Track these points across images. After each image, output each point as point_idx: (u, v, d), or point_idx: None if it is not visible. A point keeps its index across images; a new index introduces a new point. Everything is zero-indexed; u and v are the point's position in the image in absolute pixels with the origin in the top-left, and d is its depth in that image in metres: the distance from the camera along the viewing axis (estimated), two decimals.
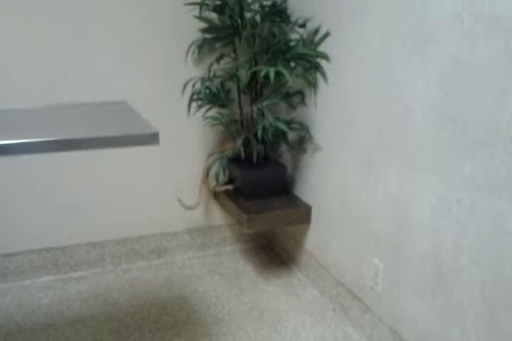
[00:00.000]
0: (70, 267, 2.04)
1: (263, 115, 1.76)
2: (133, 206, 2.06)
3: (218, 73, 1.89)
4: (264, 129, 1.75)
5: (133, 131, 1.03)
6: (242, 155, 1.95)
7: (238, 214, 1.83)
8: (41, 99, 1.78)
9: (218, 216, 2.22)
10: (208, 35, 1.84)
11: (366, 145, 1.49)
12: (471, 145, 1.10)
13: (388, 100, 1.36)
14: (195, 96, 1.82)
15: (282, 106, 2.02)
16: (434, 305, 1.28)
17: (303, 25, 1.75)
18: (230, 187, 1.99)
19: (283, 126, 1.73)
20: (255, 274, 2.06)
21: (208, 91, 1.82)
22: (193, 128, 2.02)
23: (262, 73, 1.64)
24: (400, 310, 1.43)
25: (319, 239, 1.86)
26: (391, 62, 1.33)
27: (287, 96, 1.81)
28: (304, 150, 1.88)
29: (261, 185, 1.90)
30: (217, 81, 1.81)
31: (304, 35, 1.75)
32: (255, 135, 1.81)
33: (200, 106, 1.85)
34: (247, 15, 1.75)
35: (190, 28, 1.88)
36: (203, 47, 1.87)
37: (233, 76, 1.82)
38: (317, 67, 1.68)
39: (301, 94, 1.84)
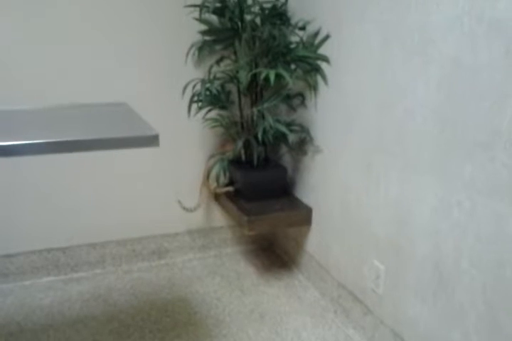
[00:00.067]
0: (70, 268, 2.04)
1: (263, 117, 1.76)
2: (134, 207, 2.06)
3: (218, 75, 1.89)
4: (264, 131, 1.75)
5: (133, 132, 1.03)
6: (243, 157, 1.95)
7: (239, 216, 1.83)
8: (41, 100, 1.79)
9: (219, 217, 2.22)
10: (208, 37, 1.84)
11: (366, 148, 1.49)
12: (471, 148, 1.10)
13: (388, 102, 1.37)
14: (195, 98, 1.82)
15: (283, 108, 2.02)
16: (435, 307, 1.28)
17: (303, 28, 1.75)
18: (230, 188, 2.00)
19: (283, 128, 1.73)
20: (256, 276, 2.06)
21: (208, 93, 1.82)
22: (193, 129, 2.03)
23: (263, 75, 1.64)
24: (401, 312, 1.43)
25: (320, 240, 1.86)
26: (391, 64, 1.33)
27: (287, 98, 1.82)
28: (304, 152, 1.89)
29: (261, 187, 1.90)
30: (217, 83, 1.81)
31: (304, 38, 1.75)
32: (256, 137, 1.81)
33: (200, 108, 1.85)
34: (247, 17, 1.75)
35: (191, 30, 1.88)
36: (203, 49, 1.88)
37: (233, 78, 1.82)
38: (317, 70, 1.68)
39: (301, 96, 1.84)
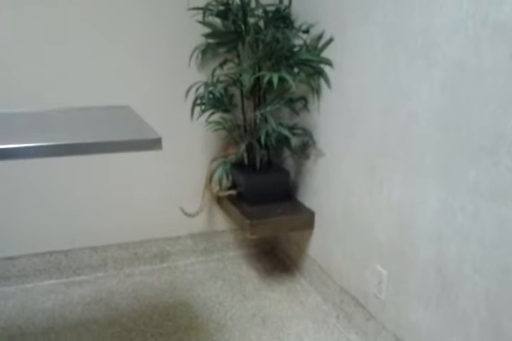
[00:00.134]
0: (72, 271, 2.04)
1: (266, 120, 1.76)
2: (136, 210, 2.05)
3: (222, 78, 1.89)
4: (267, 135, 1.75)
5: (136, 136, 1.03)
6: (246, 160, 1.94)
7: (241, 220, 1.82)
8: (42, 101, 1.78)
9: (221, 221, 2.21)
10: (211, 40, 1.84)
11: (369, 151, 1.49)
12: (475, 152, 1.09)
13: (391, 106, 1.36)
14: (198, 101, 1.82)
15: (285, 111, 2.01)
16: (438, 312, 1.27)
17: (306, 31, 1.75)
18: (233, 192, 1.99)
19: (286, 132, 1.72)
20: (258, 280, 2.05)
21: (211, 96, 1.82)
22: (196, 133, 2.02)
23: (266, 79, 1.64)
24: (404, 318, 1.41)
25: (322, 244, 1.85)
26: (394, 67, 1.33)
27: (290, 101, 1.81)
28: (307, 156, 1.88)
29: (264, 191, 1.89)
30: (220, 86, 1.81)
31: (308, 41, 1.75)
32: (258, 140, 1.81)
33: (203, 111, 1.85)
34: (251, 20, 1.75)
35: (194, 33, 1.88)
36: (206, 52, 1.88)
37: (236, 81, 1.82)
38: (320, 73, 1.68)
39: (304, 99, 1.84)
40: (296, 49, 1.72)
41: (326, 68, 1.66)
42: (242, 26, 1.75)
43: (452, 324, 1.22)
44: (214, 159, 2.07)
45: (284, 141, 1.84)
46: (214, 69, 1.92)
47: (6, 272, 1.95)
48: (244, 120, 1.90)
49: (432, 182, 1.24)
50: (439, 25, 1.15)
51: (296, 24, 1.82)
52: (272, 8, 1.75)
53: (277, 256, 2.26)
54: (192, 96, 1.93)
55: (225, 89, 1.86)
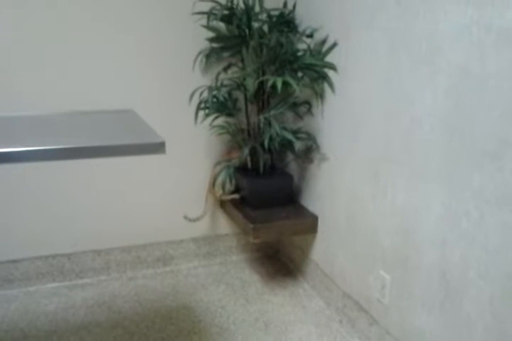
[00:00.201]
0: (75, 274, 2.04)
1: (270, 124, 1.76)
2: (139, 214, 2.06)
3: (226, 82, 1.90)
4: (270, 139, 1.75)
5: (139, 140, 1.03)
6: (249, 164, 1.95)
7: (244, 224, 1.82)
8: (43, 102, 1.79)
9: (224, 225, 2.21)
10: (215, 45, 1.85)
11: (373, 156, 1.48)
12: (479, 157, 1.09)
13: (395, 111, 1.36)
14: (202, 105, 1.83)
15: (289, 115, 2.02)
16: (441, 318, 1.27)
17: (310, 36, 1.75)
18: (236, 196, 1.99)
19: (290, 136, 1.72)
20: (261, 284, 2.04)
21: (215, 100, 1.82)
22: (199, 136, 2.03)
23: (270, 83, 1.64)
24: (407, 323, 1.41)
25: (325, 249, 1.85)
26: (398, 72, 1.33)
27: (294, 106, 1.81)
28: (310, 160, 1.88)
29: (267, 195, 1.89)
30: (224, 90, 1.81)
31: (312, 46, 1.75)
32: (262, 144, 1.81)
33: (207, 115, 1.85)
34: (255, 25, 1.75)
35: (198, 37, 1.89)
36: (210, 56, 1.88)
37: (240, 85, 1.82)
38: (324, 77, 1.68)
39: (308, 104, 1.84)
40: (300, 53, 1.72)
41: (330, 72, 1.66)
42: (246, 31, 1.75)
43: (456, 329, 1.22)
44: (217, 163, 2.07)
45: (287, 145, 1.84)
46: (218, 74, 1.93)
47: (9, 275, 1.95)
48: (248, 124, 1.91)
49: (435, 187, 1.23)
50: (444, 31, 1.15)
51: (300, 28, 1.82)
52: (276, 13, 1.76)
53: (280, 260, 2.26)
54: (196, 100, 1.93)
55: (229, 93, 1.86)
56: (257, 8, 1.79)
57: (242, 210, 1.89)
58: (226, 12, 1.73)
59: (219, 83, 1.92)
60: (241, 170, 1.96)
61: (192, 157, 2.04)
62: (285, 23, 1.77)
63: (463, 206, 1.15)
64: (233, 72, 1.94)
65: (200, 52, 1.89)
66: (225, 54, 1.86)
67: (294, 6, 1.83)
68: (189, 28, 1.87)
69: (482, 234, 1.10)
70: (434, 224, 1.26)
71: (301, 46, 1.79)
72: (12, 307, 1.85)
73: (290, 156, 2.05)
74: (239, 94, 1.93)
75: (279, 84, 1.60)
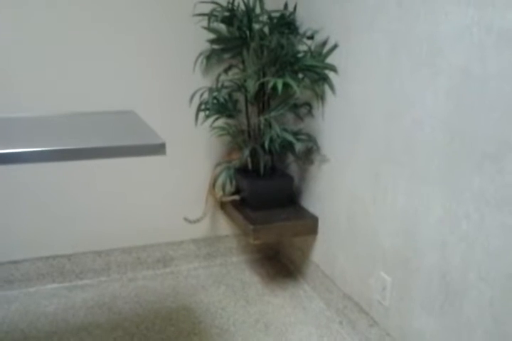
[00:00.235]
0: (75, 275, 2.04)
1: (270, 126, 1.76)
2: (139, 215, 2.06)
3: (226, 84, 1.90)
4: (271, 140, 1.75)
5: (140, 141, 1.03)
6: (249, 165, 1.95)
7: (244, 225, 1.82)
8: (43, 103, 1.79)
9: (225, 226, 2.21)
10: (216, 46, 1.85)
11: (374, 157, 1.48)
12: (480, 159, 1.09)
13: (396, 112, 1.36)
14: (202, 106, 1.83)
15: (290, 117, 2.02)
16: (442, 320, 1.26)
17: (311, 37, 1.76)
18: (236, 197, 1.99)
19: (290, 137, 1.73)
20: (261, 285, 2.04)
21: (215, 101, 1.82)
22: (200, 138, 2.03)
23: (270, 84, 1.64)
24: (408, 325, 1.41)
25: (326, 250, 1.84)
26: (399, 74, 1.33)
27: (295, 107, 1.81)
28: (311, 162, 1.88)
29: (268, 196, 1.89)
30: (224, 91, 1.81)
31: (312, 47, 1.75)
32: (262, 146, 1.81)
33: (207, 116, 1.85)
34: (256, 26, 1.75)
35: (199, 38, 1.89)
36: (211, 57, 1.88)
37: (241, 87, 1.82)
38: (325, 79, 1.68)
39: (308, 105, 1.84)
40: (300, 55, 1.72)
41: (331, 74, 1.66)
42: (247, 32, 1.76)
43: (456, 331, 1.22)
44: (218, 164, 2.07)
45: (288, 147, 1.84)
46: (218, 75, 1.93)
47: (10, 276, 1.95)
48: (249, 125, 1.91)
49: (436, 188, 1.23)
50: (444, 32, 1.15)
51: (301, 30, 1.82)
52: (277, 14, 1.76)
53: (281, 262, 2.25)
54: (196, 101, 1.94)
55: (230, 94, 1.86)
56: (257, 10, 1.79)
57: (242, 211, 1.89)
58: (227, 14, 1.74)
59: (219, 84, 1.92)
60: (241, 171, 1.96)
61: (192, 158, 2.05)
62: (286, 24, 1.77)
63: (463, 208, 1.15)
64: (234, 74, 1.94)
65: (200, 54, 1.89)
66: (226, 55, 1.86)
67: (295, 8, 1.83)
68: (190, 29, 1.87)
69: (482, 236, 1.10)
70: (434, 226, 1.25)
71: (302, 48, 1.79)
72: (12, 308, 1.85)
73: (290, 158, 2.05)
74: (239, 96, 1.93)
75: (280, 86, 1.60)
